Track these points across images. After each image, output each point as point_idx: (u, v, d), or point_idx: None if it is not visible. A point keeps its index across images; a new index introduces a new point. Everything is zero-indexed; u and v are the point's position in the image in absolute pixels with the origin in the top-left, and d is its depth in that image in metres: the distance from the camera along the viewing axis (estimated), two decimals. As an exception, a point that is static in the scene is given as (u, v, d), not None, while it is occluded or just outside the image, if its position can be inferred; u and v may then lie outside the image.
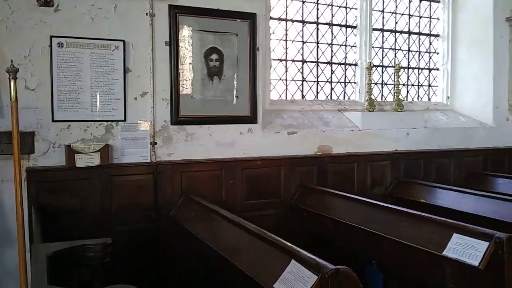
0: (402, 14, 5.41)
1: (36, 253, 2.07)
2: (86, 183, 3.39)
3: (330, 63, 4.94)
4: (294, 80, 4.74)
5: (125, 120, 3.54)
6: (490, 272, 2.44)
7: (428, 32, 5.62)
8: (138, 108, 3.59)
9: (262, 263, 2.38)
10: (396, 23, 5.35)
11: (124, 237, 3.46)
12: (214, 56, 3.86)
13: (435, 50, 5.68)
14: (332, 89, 4.96)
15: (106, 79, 3.48)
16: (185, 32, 3.73)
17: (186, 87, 3.75)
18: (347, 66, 5.04)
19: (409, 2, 5.45)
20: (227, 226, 2.93)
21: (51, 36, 3.31)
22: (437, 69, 5.69)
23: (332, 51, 4.94)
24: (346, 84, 5.04)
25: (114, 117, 3.51)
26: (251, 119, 4.00)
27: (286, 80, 4.69)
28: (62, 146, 3.34)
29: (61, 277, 2.03)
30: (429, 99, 5.64)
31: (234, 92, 3.93)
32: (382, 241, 3.07)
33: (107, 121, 3.49)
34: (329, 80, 4.95)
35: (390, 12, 5.30)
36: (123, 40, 3.52)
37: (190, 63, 3.75)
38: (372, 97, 4.85)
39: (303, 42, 4.77)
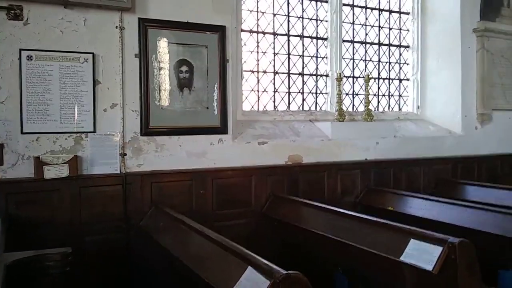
0: (372, 26, 5.54)
1: (-6, 263, 2.10)
2: (56, 195, 3.42)
3: (301, 74, 5.04)
4: (266, 91, 4.83)
5: (94, 131, 3.58)
6: (444, 276, 2.51)
7: (398, 43, 5.76)
8: (107, 120, 3.63)
9: (222, 270, 2.43)
10: (366, 34, 5.48)
11: (94, 247, 3.50)
12: (184, 68, 3.93)
13: (405, 61, 5.82)
14: (303, 99, 5.06)
15: (75, 91, 3.53)
16: (155, 45, 3.80)
17: (156, 99, 3.80)
18: (318, 77, 5.14)
19: (379, 14, 5.60)
20: (192, 235, 2.97)
21: (20, 49, 3.36)
22: (408, 79, 5.83)
23: (303, 63, 5.05)
24: (318, 94, 5.14)
25: (84, 128, 3.55)
26: (222, 129, 4.06)
27: (258, 91, 4.77)
28: (31, 158, 3.37)
29: (20, 286, 2.05)
30: (400, 109, 5.77)
31: (204, 103, 3.99)
32: (347, 248, 3.14)
33: (76, 132, 3.53)
34: (301, 91, 5.05)
35: (360, 24, 5.43)
36: (92, 53, 3.57)
37: (160, 75, 3.82)
38: (343, 107, 4.96)
39: (275, 54, 4.87)
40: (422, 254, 2.61)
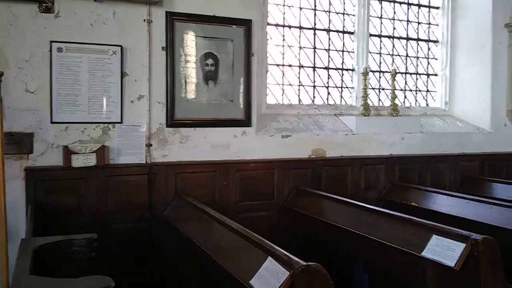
0: (401, 20, 5.47)
1: (23, 246, 2.19)
2: (83, 183, 3.52)
3: (327, 68, 5.02)
4: (291, 85, 4.83)
5: (121, 122, 3.66)
6: (466, 273, 2.49)
7: (427, 38, 5.66)
8: (134, 111, 3.71)
9: (242, 260, 2.47)
10: (394, 29, 5.41)
11: (119, 235, 3.59)
12: (209, 61, 3.97)
13: (434, 56, 5.72)
14: (328, 93, 5.04)
15: (103, 83, 3.61)
16: (181, 38, 3.85)
17: (181, 91, 3.86)
18: (344, 71, 5.11)
19: (408, 9, 5.51)
20: (214, 225, 3.02)
21: (51, 41, 3.45)
22: (436, 75, 5.73)
23: (329, 56, 5.02)
24: (343, 89, 5.12)
25: (111, 119, 3.63)
26: (245, 122, 4.10)
27: (283, 84, 4.78)
28: (60, 147, 3.47)
29: (46, 270, 2.13)
30: (427, 105, 5.68)
31: (229, 96, 4.03)
32: (368, 243, 3.14)
33: (104, 123, 3.61)
34: (326, 85, 5.03)
35: (388, 19, 5.37)
36: (120, 46, 3.65)
37: (186, 68, 3.87)
38: (369, 102, 4.93)
39: (300, 48, 4.86)
40: (444, 250, 2.59)
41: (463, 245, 2.54)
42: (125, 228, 3.63)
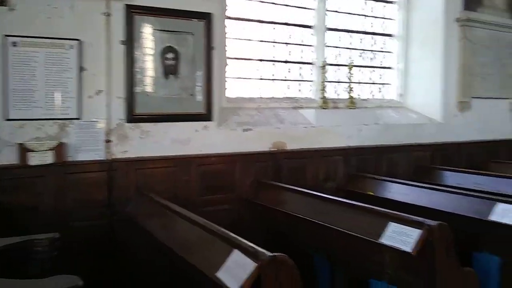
0: (358, 15, 5.60)
1: (-17, 248, 2.14)
2: (40, 181, 3.44)
3: (286, 61, 5.09)
4: (251, 79, 4.87)
5: (79, 118, 3.59)
6: (422, 258, 2.63)
7: (382, 32, 5.83)
8: (93, 106, 3.64)
9: (208, 254, 2.50)
10: (351, 23, 5.53)
11: (79, 233, 3.53)
12: (170, 55, 3.95)
13: (389, 50, 5.90)
14: (288, 87, 5.11)
15: (61, 78, 3.52)
16: (141, 31, 3.81)
17: (141, 85, 3.82)
18: (302, 65, 5.19)
19: (365, 3, 5.65)
20: (177, 220, 3.03)
21: (5, 35, 3.33)
22: (391, 68, 5.92)
23: (288, 50, 5.09)
24: (302, 82, 5.20)
25: (69, 115, 3.55)
26: (206, 116, 4.10)
27: (243, 78, 4.81)
28: (15, 145, 3.37)
29: (11, 270, 2.09)
30: (382, 97, 5.86)
31: (189, 90, 4.03)
32: (328, 232, 3.24)
33: (61, 119, 3.53)
34: (286, 78, 5.10)
35: (345, 13, 5.48)
36: (78, 40, 3.56)
37: (145, 62, 3.83)
38: (327, 95, 5.04)
39: (260, 41, 4.90)
40: (401, 237, 2.72)
41: (419, 231, 2.67)
42: (86, 226, 3.56)
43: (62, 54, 3.52)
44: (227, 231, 2.53)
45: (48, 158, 3.39)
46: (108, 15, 3.67)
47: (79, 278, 1.71)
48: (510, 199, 3.38)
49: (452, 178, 4.86)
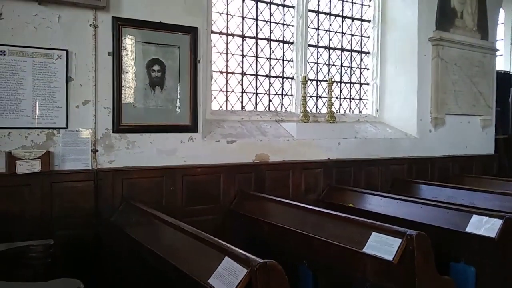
0: (336, 32, 5.80)
1: (-23, 254, 2.15)
2: (27, 189, 3.44)
3: (268, 76, 5.22)
4: (234, 92, 4.97)
5: (66, 127, 3.61)
6: (403, 266, 2.74)
7: (359, 49, 6.04)
8: (80, 116, 3.67)
9: (198, 261, 2.56)
10: (330, 40, 5.73)
11: (64, 242, 3.51)
12: (156, 67, 4.02)
13: (366, 66, 6.11)
14: (270, 100, 5.24)
15: (48, 88, 3.55)
16: (128, 43, 3.87)
17: (128, 96, 3.87)
18: (284, 79, 5.33)
19: (342, 21, 5.85)
20: (165, 228, 3.08)
21: (-7, 44, 3.36)
22: (367, 84, 6.12)
23: (270, 65, 5.23)
24: (284, 96, 5.34)
25: (56, 124, 3.58)
26: (192, 128, 4.17)
27: (226, 91, 4.91)
28: (2, 153, 3.37)
29: (3, 276, 2.11)
30: (360, 112, 6.05)
31: (175, 102, 4.10)
32: (312, 241, 3.33)
33: (48, 128, 3.55)
34: (268, 92, 5.22)
35: (324, 30, 5.67)
36: (66, 50, 3.60)
37: (132, 73, 3.89)
38: (307, 109, 5.18)
39: (243, 56, 5.02)
40: (383, 246, 2.83)
41: (399, 240, 2.79)
42: (71, 235, 3.56)
43: (49, 64, 3.55)
44: (217, 239, 2.59)
45: (35, 166, 3.40)
46: (96, 26, 3.72)
47: (80, 281, 1.75)
48: (484, 211, 3.53)
49: (428, 191, 5.03)
